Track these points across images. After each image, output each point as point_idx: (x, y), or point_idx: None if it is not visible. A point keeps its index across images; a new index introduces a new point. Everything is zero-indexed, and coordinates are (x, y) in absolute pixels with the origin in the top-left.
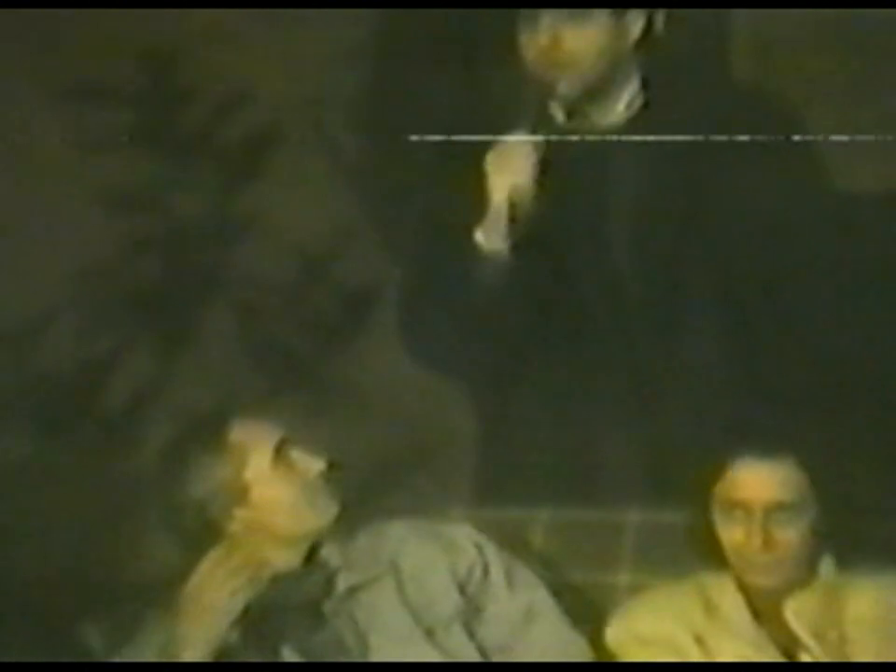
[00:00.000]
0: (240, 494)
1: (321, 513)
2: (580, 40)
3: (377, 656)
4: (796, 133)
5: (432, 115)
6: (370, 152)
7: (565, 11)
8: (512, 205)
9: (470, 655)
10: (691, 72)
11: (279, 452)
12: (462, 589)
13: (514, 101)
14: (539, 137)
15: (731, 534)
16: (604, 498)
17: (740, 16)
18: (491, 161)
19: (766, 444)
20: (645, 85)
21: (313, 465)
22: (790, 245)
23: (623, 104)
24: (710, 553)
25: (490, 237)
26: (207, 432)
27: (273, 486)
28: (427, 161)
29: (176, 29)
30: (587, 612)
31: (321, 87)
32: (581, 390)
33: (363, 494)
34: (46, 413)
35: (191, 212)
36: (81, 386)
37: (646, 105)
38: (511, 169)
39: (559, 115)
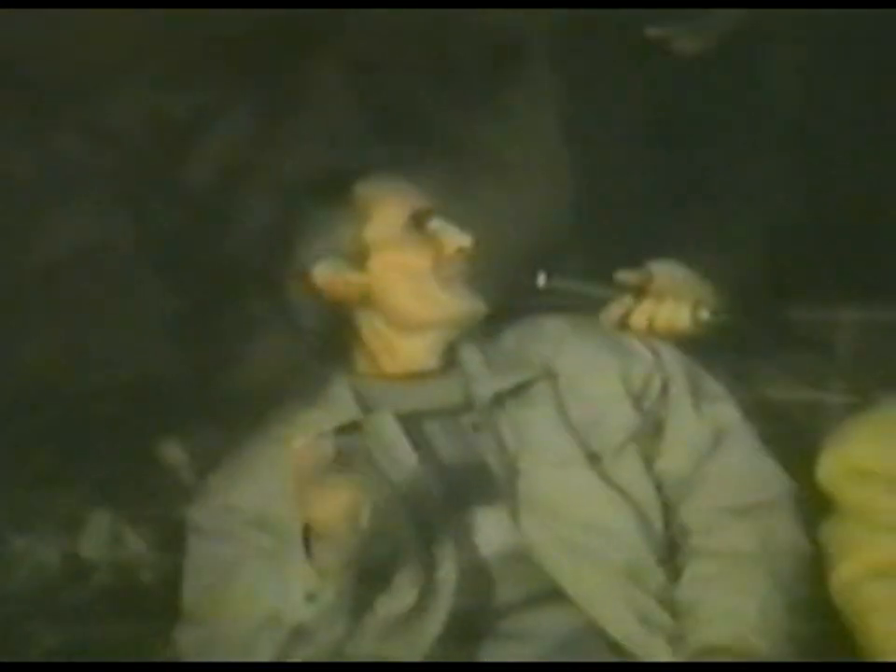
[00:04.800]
0: (357, 257)
1: (458, 300)
2: None
3: (528, 482)
4: None
5: None
6: None
7: None
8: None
9: (645, 488)
10: None
11: (417, 219)
12: (637, 403)
13: None
14: None
15: None
16: None
17: None
18: None
19: None
20: None
21: (455, 238)
22: None
23: None
24: None
25: None
26: (324, 188)
27: (399, 252)
28: None
29: None
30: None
31: None
32: None
33: (512, 283)
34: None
35: None
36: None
37: None
38: None
39: None
